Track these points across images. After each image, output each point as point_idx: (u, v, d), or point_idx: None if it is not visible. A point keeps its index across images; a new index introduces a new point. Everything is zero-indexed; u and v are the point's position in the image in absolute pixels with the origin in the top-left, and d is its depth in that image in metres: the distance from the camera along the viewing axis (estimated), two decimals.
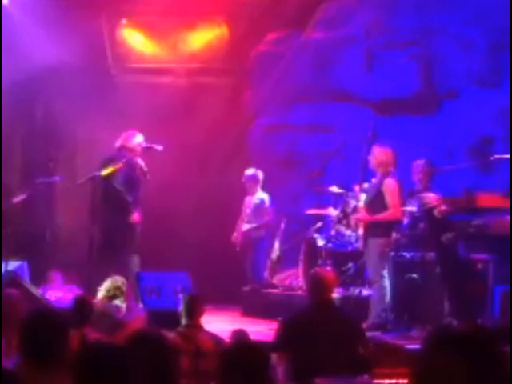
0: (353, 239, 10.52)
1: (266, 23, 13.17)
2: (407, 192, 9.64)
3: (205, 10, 13.48)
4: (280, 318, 6.75)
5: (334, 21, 12.91)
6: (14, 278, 9.19)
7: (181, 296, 7.14)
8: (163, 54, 13.93)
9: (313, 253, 10.91)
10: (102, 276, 8.96)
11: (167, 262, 11.06)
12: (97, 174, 9.94)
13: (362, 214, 9.76)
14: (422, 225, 9.30)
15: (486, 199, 8.90)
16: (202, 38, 13.83)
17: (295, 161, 13.01)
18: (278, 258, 11.78)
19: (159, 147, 10.51)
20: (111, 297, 8.33)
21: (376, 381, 5.70)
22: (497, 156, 9.98)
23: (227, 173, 12.76)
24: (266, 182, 11.94)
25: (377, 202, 9.53)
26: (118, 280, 8.47)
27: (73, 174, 12.30)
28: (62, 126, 13.18)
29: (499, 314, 8.35)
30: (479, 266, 8.75)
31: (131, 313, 8.35)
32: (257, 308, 11.26)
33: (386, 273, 9.35)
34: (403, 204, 9.51)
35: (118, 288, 8.38)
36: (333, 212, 11.04)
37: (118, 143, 10.52)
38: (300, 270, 11.15)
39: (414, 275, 9.31)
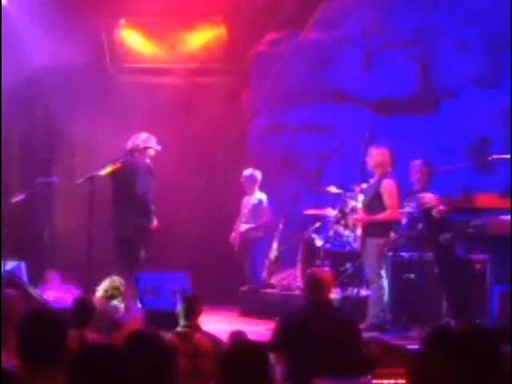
0: (351, 239, 10.52)
1: (264, 23, 13.17)
2: (405, 192, 9.64)
3: (203, 11, 13.48)
4: (277, 318, 6.73)
5: (331, 21, 12.91)
6: (11, 278, 9.18)
7: (179, 296, 7.15)
8: (161, 54, 13.92)
9: (311, 253, 10.91)
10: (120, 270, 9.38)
11: (165, 263, 11.07)
12: (95, 174, 9.95)
13: (360, 215, 9.77)
14: (420, 225, 9.30)
15: (484, 199, 8.90)
16: (201, 38, 13.83)
17: (293, 161, 13.01)
18: (276, 258, 11.78)
19: (158, 147, 10.52)
20: (109, 297, 8.33)
21: (375, 381, 5.70)
22: (495, 156, 9.99)
23: (225, 173, 12.75)
24: (264, 182, 11.93)
25: (375, 202, 9.53)
26: (116, 280, 8.47)
27: (71, 174, 12.29)
28: (60, 126, 13.17)
29: (497, 314, 8.35)
30: (477, 266, 8.75)
31: (129, 313, 8.35)
32: (255, 308, 11.26)
33: (383, 273, 9.36)
34: (401, 204, 9.51)
35: (116, 288, 8.39)
36: (331, 212, 11.03)
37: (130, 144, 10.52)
38: (298, 270, 11.14)
39: (412, 275, 9.32)
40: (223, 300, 11.55)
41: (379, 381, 5.61)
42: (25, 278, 10.22)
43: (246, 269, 11.88)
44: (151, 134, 10.70)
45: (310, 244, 10.99)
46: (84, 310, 6.67)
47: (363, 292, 10.22)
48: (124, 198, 10.19)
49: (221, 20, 13.65)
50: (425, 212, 9.09)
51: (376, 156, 9.60)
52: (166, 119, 12.37)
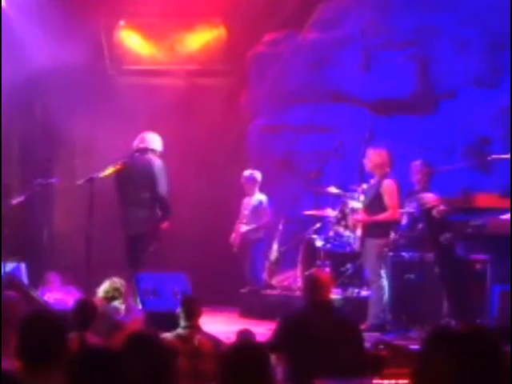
0: (351, 240, 10.51)
1: (263, 24, 13.17)
2: (406, 192, 9.64)
3: (202, 12, 13.48)
4: (278, 319, 6.73)
5: (331, 21, 12.91)
6: (11, 280, 9.17)
7: (179, 297, 7.14)
8: (161, 56, 13.93)
9: (311, 254, 10.90)
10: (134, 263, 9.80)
11: (166, 263, 11.07)
12: (95, 175, 9.97)
13: (361, 215, 9.76)
14: (420, 225, 9.30)
15: (484, 199, 8.91)
16: (200, 39, 13.83)
17: (293, 161, 13.00)
18: (277, 259, 11.77)
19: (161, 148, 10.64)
20: (110, 298, 8.32)
21: (375, 381, 5.70)
22: (495, 156, 9.99)
23: (225, 174, 12.75)
24: (264, 182, 11.93)
25: (375, 202, 9.54)
26: (116, 281, 8.45)
27: (71, 175, 12.30)
28: (60, 127, 13.16)
29: (497, 313, 8.35)
30: (477, 266, 8.75)
31: (130, 314, 8.34)
32: (255, 309, 11.25)
33: (384, 273, 9.36)
34: (402, 204, 9.51)
35: (116, 289, 8.37)
36: (331, 213, 11.03)
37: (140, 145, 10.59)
38: (298, 271, 11.14)
39: (413, 276, 9.32)
40: (223, 301, 11.55)
41: (380, 381, 5.61)
42: (25, 279, 10.22)
43: (246, 270, 11.87)
44: (148, 132, 10.74)
45: (311, 245, 10.99)
46: (86, 311, 6.67)
47: (363, 292, 10.22)
48: (141, 198, 10.29)
49: (220, 21, 13.65)
50: (425, 212, 9.09)
51: (373, 157, 9.60)
52: (166, 120, 12.36)
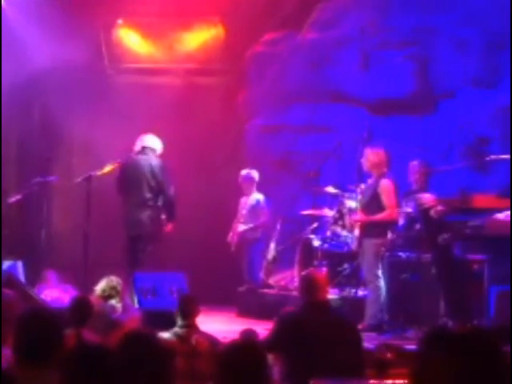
0: (349, 240, 10.50)
1: (262, 23, 13.16)
2: (403, 192, 9.64)
3: (201, 11, 13.48)
4: (275, 318, 6.72)
5: (330, 21, 12.91)
6: (9, 278, 9.16)
7: (176, 296, 7.14)
8: (159, 55, 13.92)
9: (309, 253, 10.90)
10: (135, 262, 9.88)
11: (163, 263, 11.07)
12: (93, 173, 9.97)
13: (359, 215, 9.76)
14: (418, 225, 9.30)
15: (482, 200, 8.90)
16: (198, 38, 13.83)
17: (291, 161, 13.00)
18: (274, 258, 11.76)
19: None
20: (106, 297, 8.31)
21: (372, 381, 5.69)
22: (493, 156, 9.98)
23: (223, 173, 12.75)
24: (261, 182, 11.93)
25: (373, 202, 9.53)
26: (113, 280, 8.45)
27: (69, 173, 12.30)
28: (58, 126, 13.17)
29: (495, 314, 8.34)
30: (475, 266, 8.74)
31: (126, 313, 8.34)
32: (252, 309, 11.24)
33: (381, 273, 9.35)
34: (399, 204, 9.51)
35: (113, 288, 8.37)
36: (328, 213, 11.03)
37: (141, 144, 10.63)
38: (296, 270, 11.13)
39: (410, 276, 9.31)
40: (221, 300, 11.54)
41: (377, 381, 5.60)
42: (21, 277, 10.22)
43: (243, 269, 11.87)
44: (149, 133, 10.76)
45: (308, 244, 10.98)
46: (82, 309, 6.66)
47: (361, 292, 10.21)
48: (145, 199, 10.32)
49: (218, 20, 13.65)
50: (423, 212, 9.08)
51: (371, 157, 9.60)
52: (164, 119, 12.37)
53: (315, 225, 11.33)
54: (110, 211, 11.43)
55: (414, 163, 9.53)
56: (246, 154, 13.14)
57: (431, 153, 11.40)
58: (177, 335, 6.41)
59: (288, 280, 11.61)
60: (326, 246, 10.79)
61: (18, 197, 11.21)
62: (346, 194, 10.52)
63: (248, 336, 6.42)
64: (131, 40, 13.92)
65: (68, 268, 11.33)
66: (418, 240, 9.33)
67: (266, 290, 11.56)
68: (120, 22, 13.81)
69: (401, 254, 9.45)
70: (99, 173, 10.06)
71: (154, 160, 10.52)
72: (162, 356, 4.03)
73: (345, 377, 5.69)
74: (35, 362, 4.07)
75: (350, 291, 10.45)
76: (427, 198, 9.07)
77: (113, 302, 8.30)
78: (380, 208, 9.47)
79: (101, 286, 8.39)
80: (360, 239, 9.70)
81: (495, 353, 2.60)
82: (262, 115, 13.27)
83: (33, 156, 13.20)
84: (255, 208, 11.82)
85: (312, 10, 13.14)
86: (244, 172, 11.89)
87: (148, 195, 10.39)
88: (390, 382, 5.33)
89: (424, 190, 9.34)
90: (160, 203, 10.47)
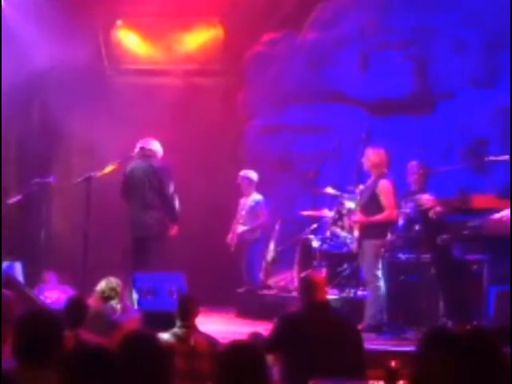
0: (348, 240, 10.51)
1: (261, 24, 13.16)
2: (402, 193, 9.64)
3: (200, 11, 13.48)
4: (275, 319, 6.72)
5: (329, 21, 12.92)
6: (7, 278, 9.16)
7: (176, 297, 7.14)
8: (158, 55, 13.93)
9: (308, 254, 10.90)
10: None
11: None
12: (92, 174, 9.98)
13: (358, 216, 9.76)
14: (417, 226, 9.30)
15: (481, 200, 8.89)
16: (198, 39, 13.84)
17: (290, 162, 13.00)
18: (273, 259, 11.76)
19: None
20: (106, 298, 8.30)
21: (371, 381, 5.69)
22: (492, 157, 9.99)
23: (223, 174, 12.74)
24: (261, 183, 11.92)
25: (372, 203, 9.53)
26: (112, 281, 8.44)
27: (68, 174, 12.30)
28: (58, 127, 13.17)
29: (494, 314, 8.34)
30: (474, 266, 8.74)
31: (126, 314, 8.33)
32: (252, 309, 11.24)
33: (380, 274, 9.35)
34: (398, 205, 9.51)
35: (112, 289, 8.35)
36: (328, 213, 11.03)
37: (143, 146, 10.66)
38: (295, 271, 11.13)
39: (409, 276, 9.31)
40: (220, 301, 11.54)
41: (377, 381, 5.60)
42: (20, 277, 10.22)
43: (242, 270, 11.86)
44: (148, 134, 10.77)
45: (307, 245, 10.99)
46: (78, 309, 6.66)
47: (360, 293, 10.21)
48: (149, 200, 10.34)
49: (218, 21, 13.66)
50: (422, 213, 9.09)
51: (372, 157, 9.61)
52: (164, 120, 12.37)
53: (314, 225, 11.34)
54: (110, 212, 11.44)
55: (413, 163, 9.54)
56: (246, 155, 13.14)
57: (430, 153, 11.40)
58: (176, 335, 6.40)
59: (287, 281, 11.61)
60: (325, 246, 10.79)
61: (18, 197, 11.21)
62: (346, 195, 10.52)
63: (255, 339, 6.41)
64: (130, 41, 13.93)
65: (67, 269, 11.33)
66: (418, 241, 9.33)
67: (265, 291, 11.55)
68: (119, 22, 13.82)
69: (400, 254, 9.45)
70: (99, 174, 10.06)
71: (155, 163, 10.53)
72: (162, 356, 4.03)
73: (345, 377, 5.69)
74: (34, 363, 4.07)
75: (349, 292, 10.45)
76: (426, 198, 9.07)
77: (112, 303, 8.30)
78: (379, 208, 9.47)
79: (100, 287, 8.39)
80: (359, 240, 9.69)
81: (495, 353, 2.61)
82: (262, 115, 13.27)
83: (32, 156, 13.20)
84: (254, 209, 11.81)
85: (311, 11, 13.15)
86: (243, 173, 11.88)
87: (151, 197, 10.42)
88: None
89: (423, 190, 9.34)
90: (164, 205, 10.51)
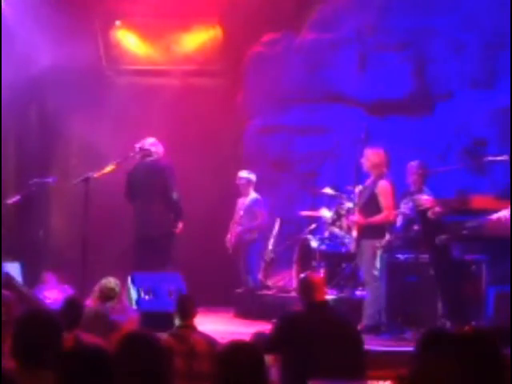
0: (346, 241, 10.52)
1: (260, 24, 13.16)
2: (401, 193, 9.65)
3: (199, 12, 13.47)
4: (274, 320, 6.73)
5: (327, 22, 12.92)
6: (6, 279, 9.16)
7: (174, 297, 7.14)
8: (157, 56, 13.92)
9: (306, 254, 10.91)
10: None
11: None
12: (91, 174, 9.97)
13: (356, 216, 9.76)
14: (415, 226, 9.30)
15: (480, 201, 8.90)
16: (196, 39, 13.83)
17: (289, 162, 13.01)
18: (272, 259, 11.77)
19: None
20: (105, 298, 8.30)
21: (370, 382, 5.70)
22: (490, 158, 9.99)
23: (222, 174, 12.74)
24: (259, 183, 11.93)
25: (370, 203, 9.54)
26: (111, 281, 8.44)
27: (67, 174, 12.29)
28: (56, 127, 13.17)
29: (493, 315, 8.34)
30: (473, 267, 8.75)
31: (125, 314, 8.33)
32: (250, 310, 11.24)
33: (379, 274, 9.35)
34: (397, 206, 9.51)
35: (111, 289, 8.36)
36: (326, 213, 11.04)
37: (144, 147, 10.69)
38: (294, 271, 11.14)
39: (408, 277, 9.32)
40: (219, 301, 11.54)
41: (376, 382, 5.60)
42: (18, 278, 10.21)
43: (241, 270, 11.86)
44: (147, 135, 10.79)
45: (306, 245, 10.99)
46: (74, 309, 6.65)
47: (359, 293, 10.22)
48: (154, 200, 10.37)
49: (216, 21, 13.65)
50: (420, 213, 9.09)
51: (371, 157, 9.62)
52: (163, 120, 12.37)
53: (313, 226, 11.35)
54: (109, 212, 11.44)
55: (412, 164, 9.54)
56: (245, 155, 13.14)
57: (429, 154, 11.40)
58: (175, 336, 6.41)
59: (286, 281, 11.62)
60: (323, 246, 10.80)
61: (17, 197, 11.21)
62: (344, 195, 10.53)
63: (259, 338, 6.41)
64: (129, 41, 13.92)
65: (66, 269, 11.33)
66: (416, 241, 9.33)
67: (263, 291, 11.55)
68: (118, 23, 13.81)
69: (399, 255, 9.46)
70: (98, 174, 10.06)
71: (159, 161, 10.56)
72: (161, 357, 4.03)
73: (345, 377, 5.70)
74: (34, 364, 4.07)
75: (347, 292, 10.45)
76: (425, 199, 9.07)
77: (111, 303, 8.30)
78: (378, 209, 9.48)
79: (99, 287, 8.39)
80: (358, 240, 9.70)
81: (494, 354, 2.61)
82: (261, 116, 13.27)
83: (31, 157, 13.19)
84: (252, 209, 11.82)
85: (310, 11, 13.15)
86: (241, 173, 11.89)
87: (157, 196, 10.46)
88: (387, 383, 5.33)
89: (422, 190, 9.35)
90: (167, 204, 10.54)
